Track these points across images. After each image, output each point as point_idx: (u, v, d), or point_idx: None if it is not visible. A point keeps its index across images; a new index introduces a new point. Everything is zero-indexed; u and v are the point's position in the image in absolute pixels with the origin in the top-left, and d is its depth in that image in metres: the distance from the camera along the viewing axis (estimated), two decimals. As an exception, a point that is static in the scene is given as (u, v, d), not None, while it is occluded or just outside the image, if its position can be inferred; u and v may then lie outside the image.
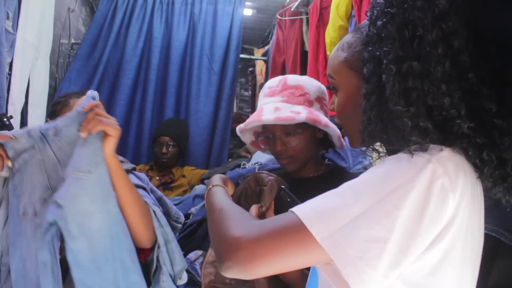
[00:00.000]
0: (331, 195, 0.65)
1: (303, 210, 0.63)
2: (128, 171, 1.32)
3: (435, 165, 0.60)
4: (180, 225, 1.40)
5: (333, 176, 1.31)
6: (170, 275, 1.19)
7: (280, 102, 1.26)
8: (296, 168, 1.28)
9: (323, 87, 1.34)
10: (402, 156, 0.64)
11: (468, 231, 0.65)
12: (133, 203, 1.10)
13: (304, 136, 1.25)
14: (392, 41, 0.64)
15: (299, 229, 0.61)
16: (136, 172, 1.40)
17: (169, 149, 2.71)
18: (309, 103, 1.26)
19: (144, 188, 1.30)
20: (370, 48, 0.69)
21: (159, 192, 1.40)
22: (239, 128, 1.36)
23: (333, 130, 1.26)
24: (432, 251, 0.61)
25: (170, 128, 2.82)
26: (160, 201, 1.36)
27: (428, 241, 0.60)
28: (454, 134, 0.63)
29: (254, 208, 0.91)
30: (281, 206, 0.95)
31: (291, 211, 0.65)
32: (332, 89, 0.85)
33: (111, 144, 1.03)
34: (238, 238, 0.63)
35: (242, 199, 1.02)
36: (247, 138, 1.43)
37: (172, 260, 1.20)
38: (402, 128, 0.63)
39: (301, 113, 1.20)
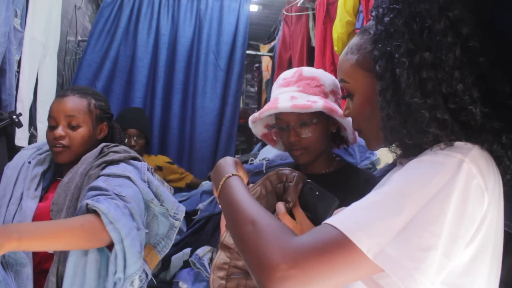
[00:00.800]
0: (371, 206, 0.62)
1: (346, 225, 0.60)
2: (120, 161, 1.35)
3: (469, 165, 0.60)
4: (177, 222, 1.37)
5: (344, 173, 1.30)
6: (120, 279, 1.13)
7: (296, 91, 1.24)
8: (308, 160, 1.26)
9: (337, 82, 1.32)
10: (434, 158, 0.63)
11: (496, 228, 0.65)
12: (57, 242, 1.07)
13: (319, 127, 1.24)
14: (402, 35, 0.65)
15: (345, 246, 0.58)
16: (134, 162, 1.39)
17: (138, 141, 2.67)
18: (325, 95, 1.25)
19: (128, 178, 1.28)
20: (380, 46, 0.70)
21: (156, 183, 1.36)
22: (252, 117, 1.33)
23: (348, 122, 1.23)
24: (466, 250, 0.61)
25: (135, 119, 2.75)
26: (156, 195, 1.34)
27: (466, 241, 0.60)
28: (474, 128, 0.63)
29: (281, 206, 0.87)
30: (308, 200, 0.92)
31: (330, 225, 0.61)
32: (346, 96, 0.84)
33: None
34: (284, 265, 0.58)
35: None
36: (258, 130, 1.40)
37: (126, 260, 1.13)
38: (421, 120, 0.63)
39: (317, 102, 1.19)
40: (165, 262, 2.00)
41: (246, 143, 4.16)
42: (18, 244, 0.99)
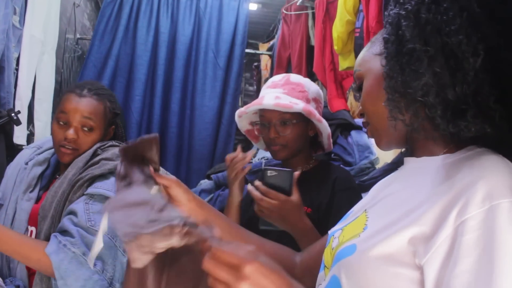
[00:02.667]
0: None
1: None
2: (110, 173, 1.28)
3: None
4: None
5: (318, 171, 1.42)
6: None
7: (281, 93, 1.37)
8: (284, 156, 1.39)
9: (321, 92, 1.47)
10: (491, 229, 0.56)
11: None
12: (16, 256, 1.18)
13: (297, 128, 1.36)
14: (410, 2, 0.66)
15: None
16: None
17: None
18: (307, 100, 1.38)
19: None
20: (389, 20, 0.71)
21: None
22: (238, 111, 1.45)
23: (325, 127, 1.37)
24: None
25: None
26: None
27: None
28: (462, 94, 0.61)
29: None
30: (274, 182, 1.12)
31: None
32: (358, 90, 0.84)
33: None
34: None
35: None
36: (243, 126, 1.53)
37: None
38: (419, 65, 0.63)
39: (299, 104, 1.32)
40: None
41: (244, 142, 4.15)
42: None
